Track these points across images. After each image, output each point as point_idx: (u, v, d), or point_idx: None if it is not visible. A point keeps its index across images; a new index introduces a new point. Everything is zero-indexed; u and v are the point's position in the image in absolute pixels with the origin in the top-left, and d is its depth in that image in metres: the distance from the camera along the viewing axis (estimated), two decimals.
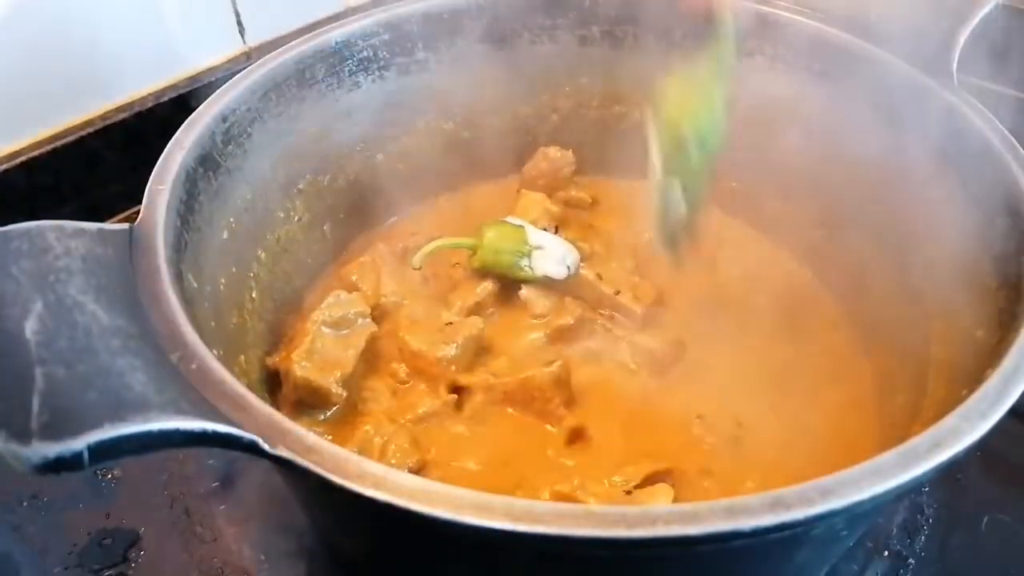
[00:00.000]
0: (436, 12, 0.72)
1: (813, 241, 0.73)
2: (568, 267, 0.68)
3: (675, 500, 0.53)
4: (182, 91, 0.86)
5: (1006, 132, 0.57)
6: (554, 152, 0.78)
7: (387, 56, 0.71)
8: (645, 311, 0.67)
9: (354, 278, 0.68)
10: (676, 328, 0.67)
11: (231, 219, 0.60)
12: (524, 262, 0.67)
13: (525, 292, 0.68)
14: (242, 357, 0.58)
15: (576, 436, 0.60)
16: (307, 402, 0.60)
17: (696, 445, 0.59)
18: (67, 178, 0.81)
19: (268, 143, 0.64)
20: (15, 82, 0.76)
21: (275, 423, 0.40)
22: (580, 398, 0.62)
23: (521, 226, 0.69)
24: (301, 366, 0.59)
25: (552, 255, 0.68)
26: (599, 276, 0.68)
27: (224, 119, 0.58)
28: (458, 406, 0.62)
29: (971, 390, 0.43)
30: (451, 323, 0.65)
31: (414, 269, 0.67)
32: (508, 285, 0.69)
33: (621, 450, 0.59)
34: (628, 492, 0.55)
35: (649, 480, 0.56)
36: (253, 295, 0.63)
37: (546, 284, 0.68)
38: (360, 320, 0.62)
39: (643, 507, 0.37)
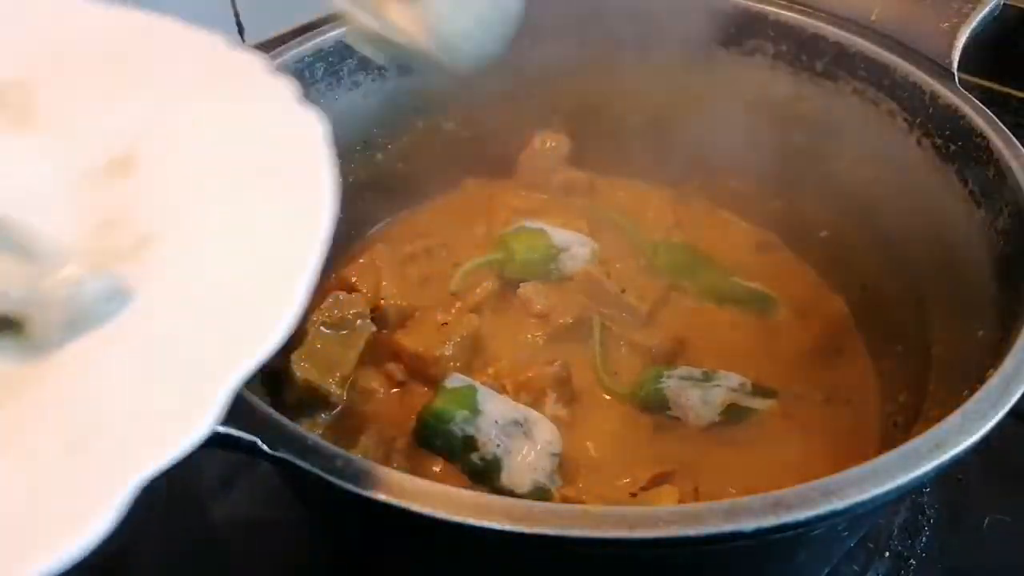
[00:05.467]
0: None
1: (816, 241, 0.72)
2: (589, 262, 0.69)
3: (680, 501, 0.53)
4: None
5: (1007, 131, 0.57)
6: (549, 137, 0.78)
7: None
8: (649, 310, 0.66)
9: (354, 279, 0.68)
10: (677, 327, 0.67)
11: None
12: (552, 265, 0.68)
13: (524, 290, 0.68)
14: None
15: (579, 437, 0.60)
16: (307, 403, 0.59)
17: (701, 446, 0.59)
18: None
19: None
20: None
21: (275, 424, 0.40)
22: (582, 398, 0.62)
23: (542, 230, 0.69)
24: (300, 367, 0.58)
25: (576, 255, 0.68)
26: (608, 274, 0.68)
27: None
28: None
29: (972, 390, 0.43)
30: (447, 323, 0.64)
31: (452, 295, 0.67)
32: (508, 284, 0.68)
33: (625, 452, 0.58)
34: (633, 494, 0.55)
35: (653, 482, 0.55)
36: None
37: (550, 281, 0.68)
38: (359, 321, 0.62)
39: (644, 508, 0.37)
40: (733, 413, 0.60)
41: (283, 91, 0.40)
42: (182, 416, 0.28)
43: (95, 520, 0.25)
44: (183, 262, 0.34)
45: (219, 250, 0.34)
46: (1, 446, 0.29)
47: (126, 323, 0.32)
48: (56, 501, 0.27)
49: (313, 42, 0.67)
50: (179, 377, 0.30)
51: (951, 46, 0.61)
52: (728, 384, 0.61)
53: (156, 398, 0.29)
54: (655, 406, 0.60)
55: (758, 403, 0.61)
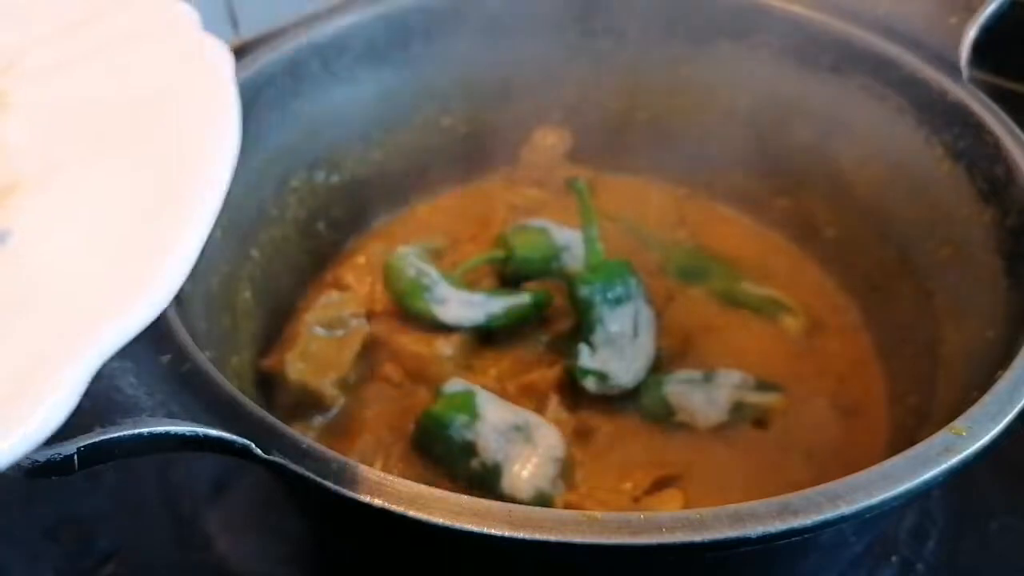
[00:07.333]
0: (434, 5, 0.71)
1: (823, 240, 0.72)
2: None
3: (685, 506, 0.52)
4: None
5: (1016, 129, 0.56)
6: (550, 133, 0.77)
7: (384, 50, 0.70)
8: (655, 311, 0.66)
9: (349, 278, 0.67)
10: (683, 328, 0.66)
11: (223, 216, 0.59)
12: (554, 264, 0.67)
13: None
14: (235, 359, 0.57)
15: (582, 440, 0.59)
16: (302, 405, 0.59)
17: (705, 449, 0.58)
18: None
19: (261, 139, 0.63)
20: None
21: (268, 427, 0.39)
22: (585, 401, 0.61)
23: (544, 228, 0.68)
24: (295, 368, 0.58)
25: (578, 255, 0.67)
26: None
27: None
28: None
29: (981, 392, 0.42)
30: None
31: None
32: (508, 283, 0.68)
33: (628, 455, 0.58)
34: (636, 499, 0.54)
35: (658, 486, 0.55)
36: (246, 295, 0.62)
37: (551, 280, 0.67)
38: (354, 321, 0.61)
39: (647, 514, 0.37)
40: (740, 411, 0.59)
41: (183, 20, 0.36)
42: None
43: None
44: (52, 214, 0.30)
45: (93, 202, 0.31)
46: None
47: None
48: None
49: (309, 35, 0.66)
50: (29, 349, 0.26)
51: (959, 42, 0.61)
52: (731, 382, 0.60)
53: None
54: (660, 414, 0.59)
55: (764, 398, 0.60)
